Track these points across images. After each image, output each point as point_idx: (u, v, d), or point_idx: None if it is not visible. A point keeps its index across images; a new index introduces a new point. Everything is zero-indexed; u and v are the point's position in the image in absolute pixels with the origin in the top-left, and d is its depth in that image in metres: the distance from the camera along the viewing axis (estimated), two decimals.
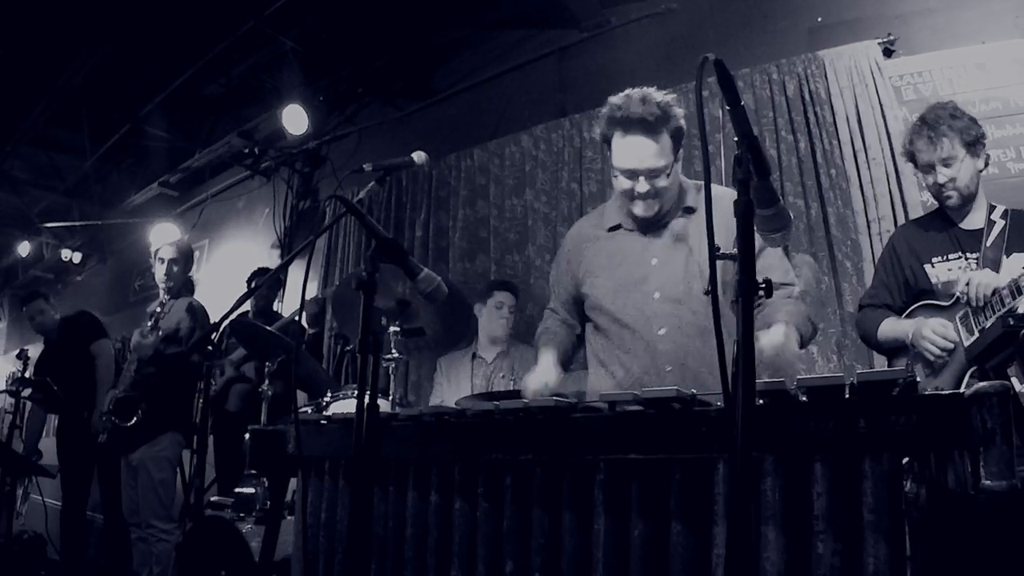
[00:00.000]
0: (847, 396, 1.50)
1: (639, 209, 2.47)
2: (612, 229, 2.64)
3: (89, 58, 6.04)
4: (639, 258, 2.54)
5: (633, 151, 2.38)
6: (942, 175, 2.66)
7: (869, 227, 3.83)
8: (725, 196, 2.45)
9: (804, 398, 1.55)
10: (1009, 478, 1.29)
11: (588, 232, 2.74)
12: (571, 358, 2.78)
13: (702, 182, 2.59)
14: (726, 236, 2.32)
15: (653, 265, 2.51)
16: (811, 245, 3.97)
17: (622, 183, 2.44)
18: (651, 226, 2.55)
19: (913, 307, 2.74)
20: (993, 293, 2.40)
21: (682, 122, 2.43)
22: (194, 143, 7.54)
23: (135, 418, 4.05)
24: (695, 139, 4.36)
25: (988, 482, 1.29)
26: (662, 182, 2.40)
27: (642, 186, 2.40)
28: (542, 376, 2.52)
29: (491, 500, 1.91)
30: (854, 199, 3.89)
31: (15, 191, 8.77)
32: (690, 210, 2.54)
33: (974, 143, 2.65)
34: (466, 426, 2.03)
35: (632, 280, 2.53)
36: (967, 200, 2.70)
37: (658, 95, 2.38)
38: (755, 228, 1.38)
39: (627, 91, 2.40)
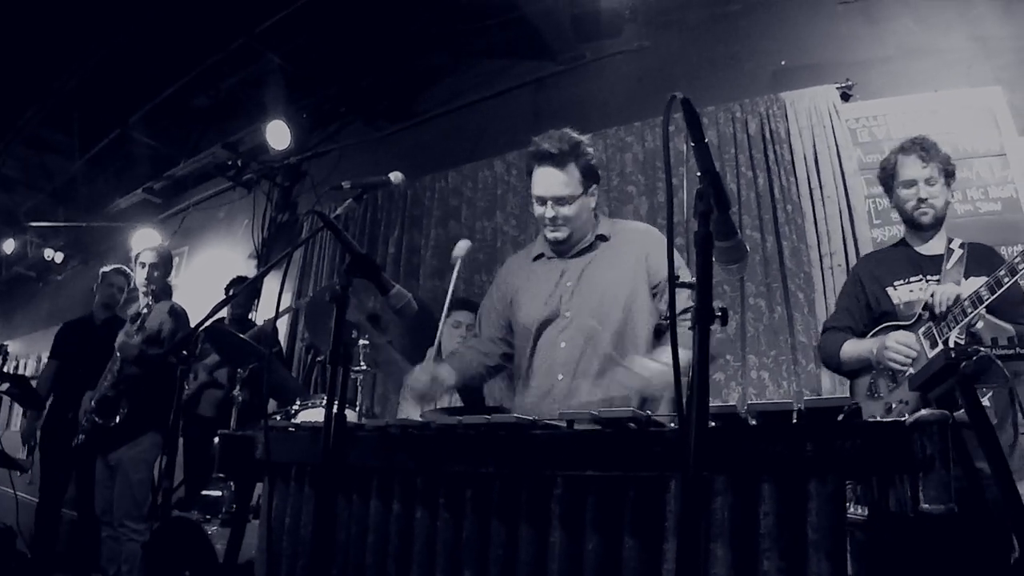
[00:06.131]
0: (795, 421, 1.56)
1: (551, 234, 2.73)
2: (536, 259, 2.89)
3: (84, 63, 6.06)
4: (556, 281, 2.77)
5: (542, 180, 2.66)
6: (924, 191, 2.81)
7: (822, 261, 3.96)
8: (639, 230, 2.80)
9: (754, 422, 1.60)
10: (947, 502, 1.35)
11: (517, 264, 3.01)
12: (472, 378, 2.95)
13: (618, 220, 2.90)
14: (641, 265, 2.63)
15: (568, 286, 2.73)
16: (766, 276, 4.08)
17: (537, 209, 2.72)
18: (566, 252, 2.78)
19: (875, 330, 2.82)
20: (955, 303, 2.50)
21: (593, 161, 2.70)
22: (179, 152, 7.56)
23: (117, 418, 4.05)
24: (660, 172, 4.51)
25: (927, 505, 1.36)
26: (568, 210, 2.66)
27: (550, 211, 2.67)
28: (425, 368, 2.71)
29: (451, 511, 1.94)
30: (808, 234, 4.02)
31: (4, 189, 8.73)
32: (603, 238, 2.77)
33: (950, 176, 2.83)
34: (429, 439, 2.07)
35: (549, 300, 2.73)
36: (937, 223, 2.84)
37: (573, 134, 2.66)
38: (713, 259, 1.45)
39: (549, 131, 2.66)
